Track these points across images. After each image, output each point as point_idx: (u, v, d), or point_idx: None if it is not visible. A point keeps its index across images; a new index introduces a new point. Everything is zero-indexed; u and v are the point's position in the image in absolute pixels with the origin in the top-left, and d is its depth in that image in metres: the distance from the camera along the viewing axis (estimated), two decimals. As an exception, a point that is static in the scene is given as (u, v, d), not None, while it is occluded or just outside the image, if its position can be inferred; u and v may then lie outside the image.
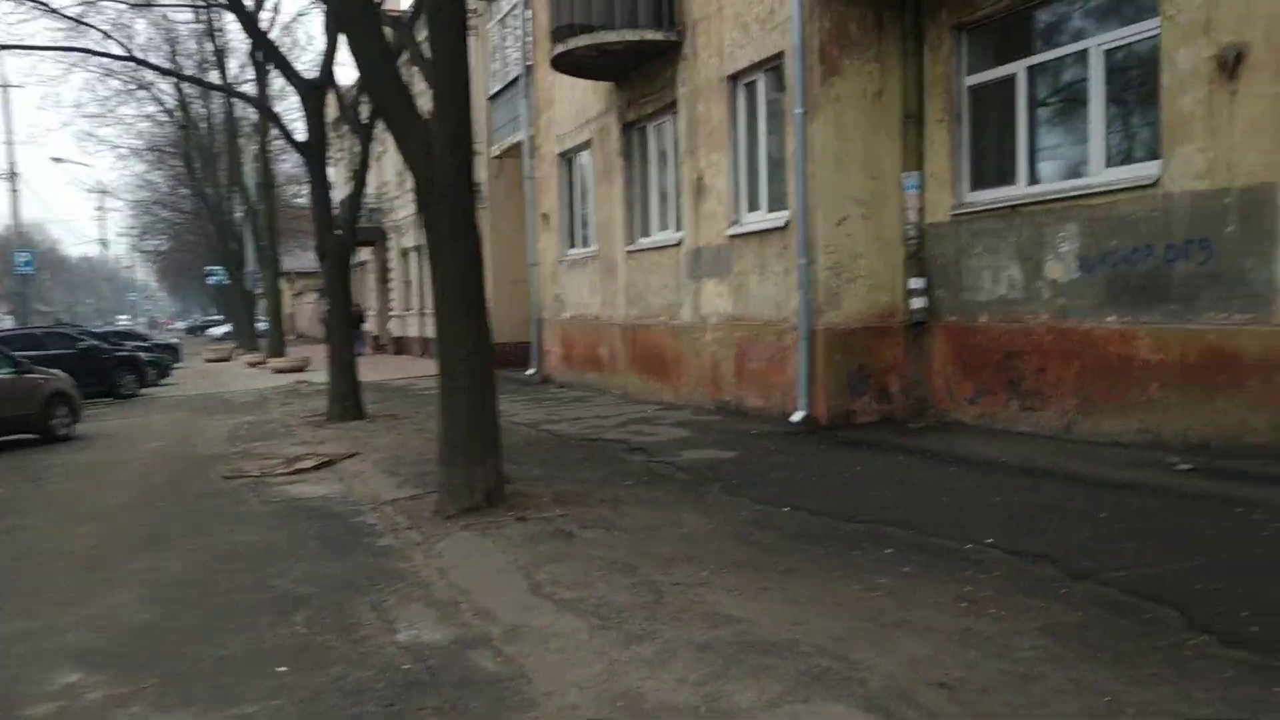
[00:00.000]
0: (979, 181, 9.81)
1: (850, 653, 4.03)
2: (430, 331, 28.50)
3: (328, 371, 14.39)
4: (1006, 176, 9.52)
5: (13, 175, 31.01)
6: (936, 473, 7.75)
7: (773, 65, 10.87)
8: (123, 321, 68.35)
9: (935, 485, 7.29)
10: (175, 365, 32.33)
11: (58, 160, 48.72)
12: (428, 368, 25.69)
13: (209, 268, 47.60)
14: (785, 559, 5.54)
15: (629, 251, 14.49)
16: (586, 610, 4.82)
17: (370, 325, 36.73)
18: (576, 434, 11.09)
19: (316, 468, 9.92)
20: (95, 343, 20.88)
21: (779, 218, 10.75)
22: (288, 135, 14.66)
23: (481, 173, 22.02)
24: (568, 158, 16.99)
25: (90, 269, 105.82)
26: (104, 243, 64.77)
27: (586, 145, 15.96)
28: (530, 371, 18.44)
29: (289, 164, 47.56)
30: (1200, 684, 3.51)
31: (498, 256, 21.74)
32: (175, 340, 39.80)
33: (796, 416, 10.14)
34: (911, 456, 8.51)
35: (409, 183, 30.72)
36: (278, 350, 30.18)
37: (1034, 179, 9.18)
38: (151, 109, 35.35)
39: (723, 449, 9.46)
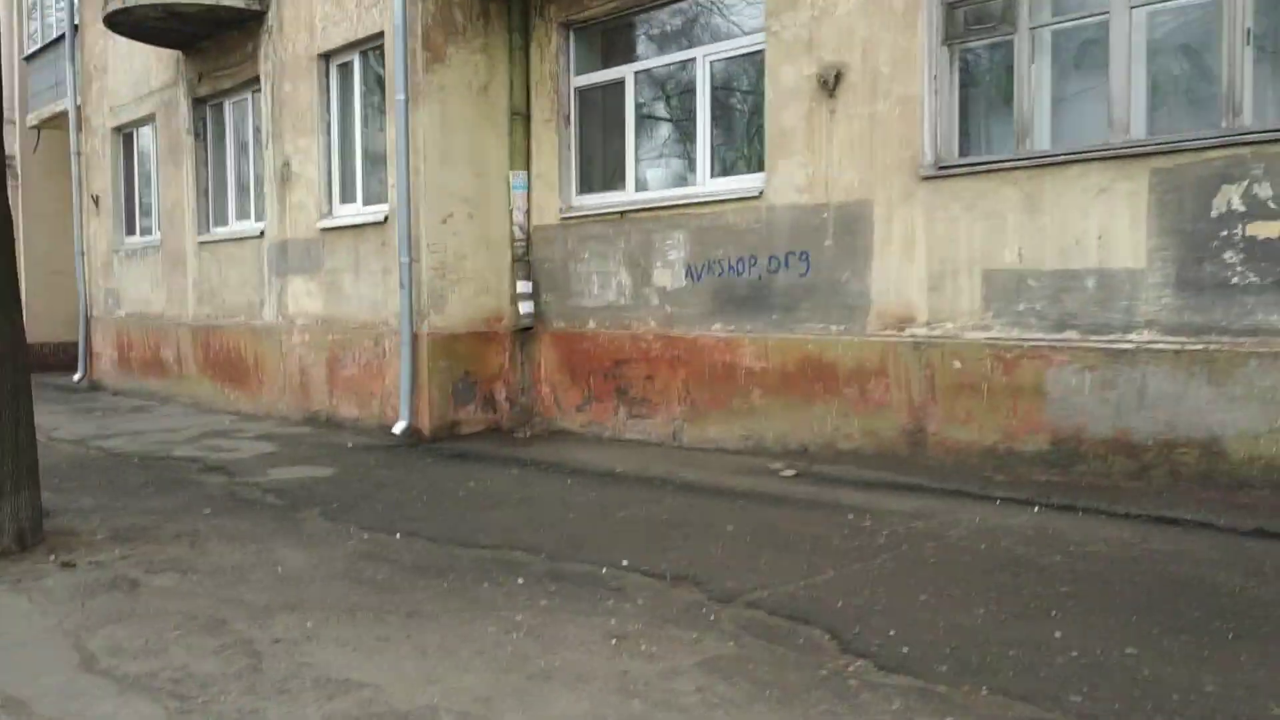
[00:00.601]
0: (588, 185, 9.65)
1: (501, 718, 3.46)
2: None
3: None
4: (615, 181, 9.44)
5: None
6: (555, 486, 7.38)
7: (372, 46, 10.03)
8: None
9: (557, 500, 6.91)
10: None
11: None
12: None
13: None
14: (407, 598, 4.85)
15: (201, 243, 12.87)
16: (161, 688, 3.82)
17: None
18: (138, 451, 9.52)
19: None
20: None
21: (377, 211, 9.93)
22: None
23: (13, 144, 18.80)
24: (125, 133, 14.86)
25: None
26: None
27: (149, 120, 14.01)
28: (77, 377, 15.95)
29: None
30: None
31: (35, 243, 18.73)
32: None
33: (398, 428, 9.39)
34: (526, 469, 8.10)
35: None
36: None
37: (642, 185, 9.16)
38: None
39: (317, 465, 8.49)
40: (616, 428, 9.14)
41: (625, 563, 5.29)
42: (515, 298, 9.83)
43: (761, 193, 7.90)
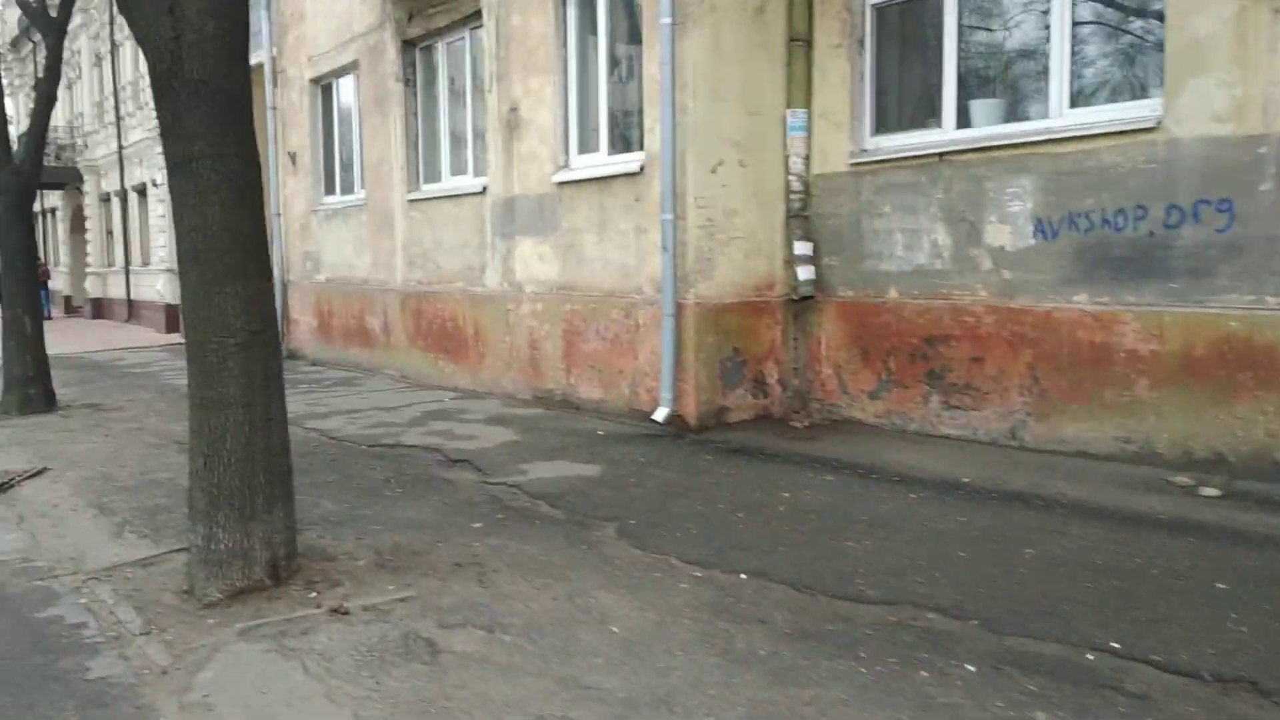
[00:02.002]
0: (885, 124, 7.96)
1: None
2: (143, 292, 24.23)
3: (1, 347, 10.77)
4: (924, 118, 7.73)
5: None
6: (897, 501, 5.80)
7: (623, -36, 8.56)
8: None
9: (916, 524, 5.32)
10: None
11: None
12: (134, 335, 21.60)
13: None
14: (820, 694, 3.37)
15: (411, 201, 11.74)
16: None
17: (60, 284, 31.28)
18: (361, 436, 8.40)
19: (-19, 498, 6.76)
20: None
21: (628, 161, 8.48)
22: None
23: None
24: (324, 84, 13.89)
25: None
26: None
27: (351, 69, 12.97)
28: (274, 345, 15.19)
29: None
30: None
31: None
32: None
33: (660, 414, 7.97)
34: (839, 473, 6.53)
35: (109, 114, 25.86)
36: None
37: (965, 121, 7.41)
38: None
39: (575, 461, 7.14)
40: (926, 420, 7.49)
41: (1114, 643, 3.67)
42: (790, 261, 8.26)
43: (1159, 123, 6.07)
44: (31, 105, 17.54)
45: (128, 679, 3.71)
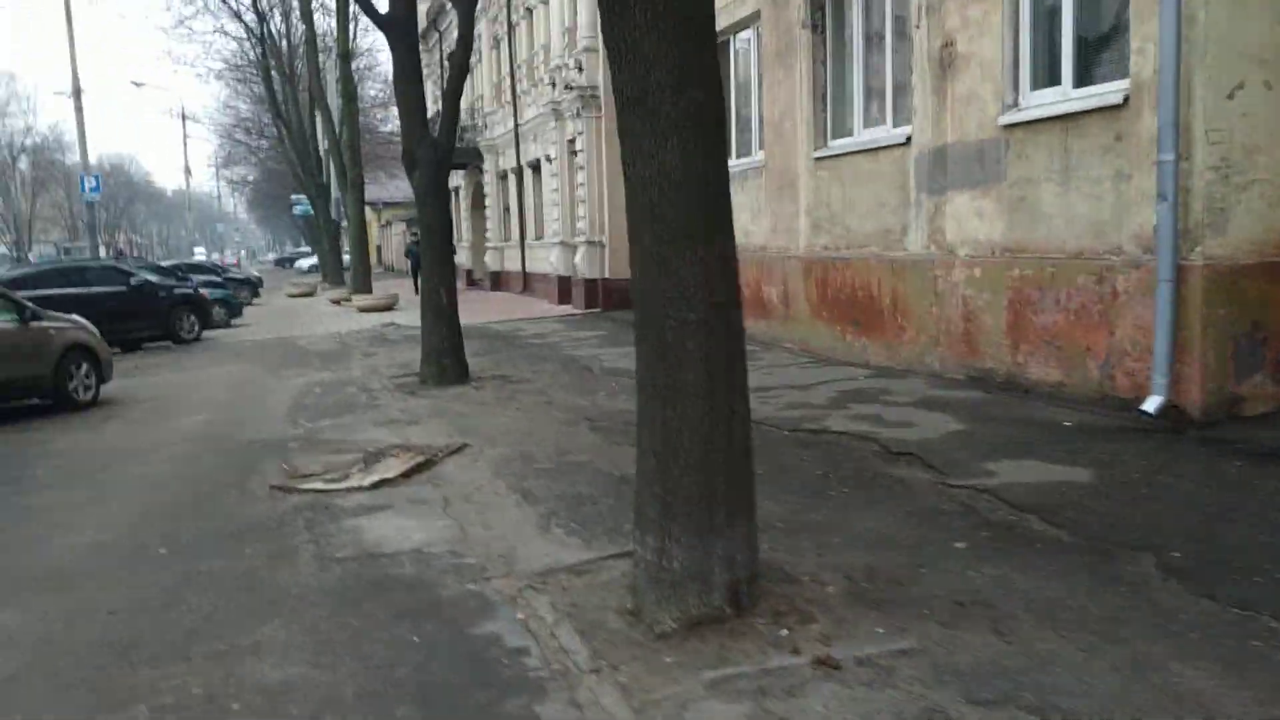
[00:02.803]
0: None
1: None
2: (537, 265, 25.26)
3: (421, 317, 11.03)
4: None
5: (78, 93, 28.15)
6: None
7: None
8: (199, 254, 66.00)
9: None
10: (253, 302, 29.77)
11: (138, 85, 46.31)
12: (530, 306, 22.39)
13: (294, 197, 45.00)
14: None
15: (818, 159, 10.74)
16: None
17: (462, 258, 33.59)
18: (781, 419, 7.53)
19: (406, 475, 6.57)
20: (150, 279, 17.82)
21: (1105, 93, 6.93)
22: (369, 7, 11.10)
23: (596, 73, 18.35)
24: (721, 39, 13.19)
25: (184, 200, 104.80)
26: (188, 170, 62.65)
27: (751, 21, 12.17)
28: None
29: (374, 89, 44.52)
30: None
31: (608, 175, 18.20)
32: (254, 275, 37.07)
33: (1151, 404, 6.41)
34: None
35: (505, 94, 27.22)
36: (363, 286, 27.09)
37: None
38: (229, 26, 32.50)
39: (1054, 460, 5.81)
40: None
41: None
42: (1332, 209, 6.37)
43: None
44: (440, 91, 18.43)
45: (583, 732, 2.99)
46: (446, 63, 11.29)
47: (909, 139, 9.07)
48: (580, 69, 18.99)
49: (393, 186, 50.63)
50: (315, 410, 9.55)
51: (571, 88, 19.16)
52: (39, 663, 3.85)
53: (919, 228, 9.01)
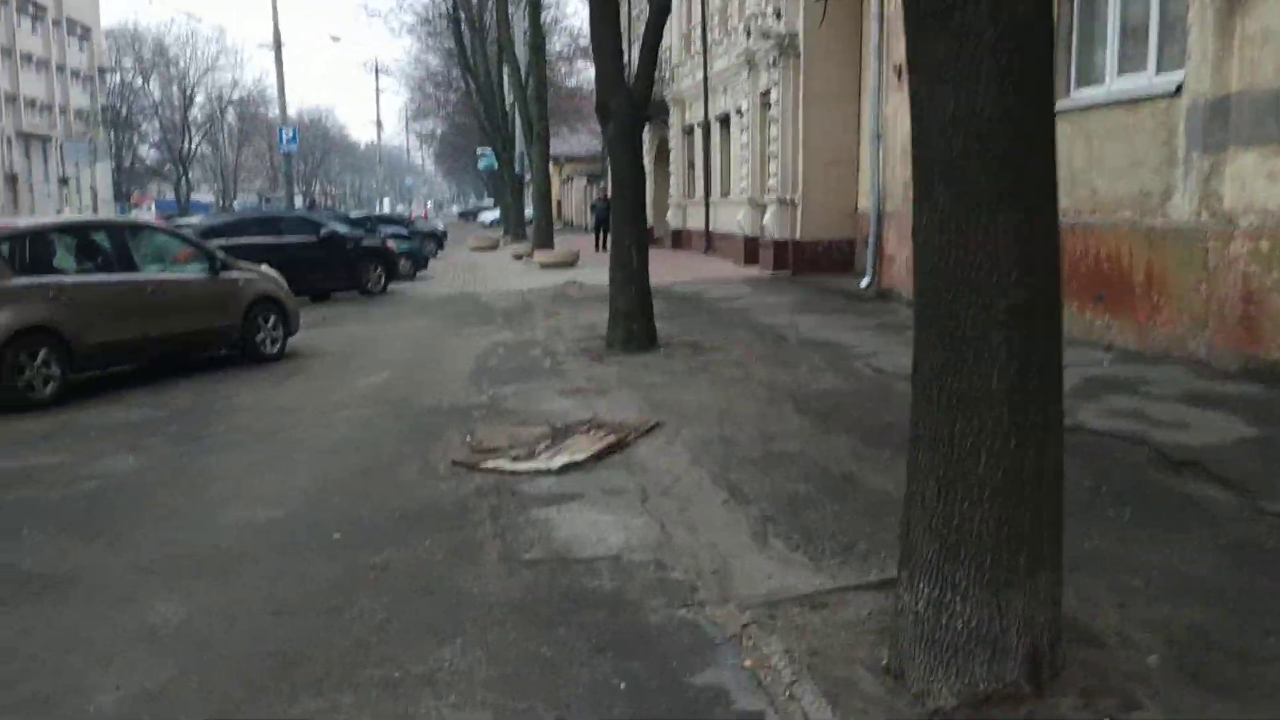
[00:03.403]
0: None
1: None
2: (722, 224, 24.44)
3: (610, 278, 10.41)
4: None
5: (278, 47, 28.94)
6: None
7: None
8: (387, 205, 68.10)
9: None
10: (438, 255, 30.08)
11: (335, 39, 47.63)
12: (714, 268, 21.57)
13: (480, 150, 45.53)
14: None
15: (1059, 112, 9.46)
16: None
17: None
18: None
19: (597, 457, 5.94)
20: (338, 230, 17.93)
21: None
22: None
23: (796, 19, 17.23)
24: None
25: (375, 153, 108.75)
26: (379, 124, 64.52)
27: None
28: (864, 283, 13.83)
29: (559, 43, 44.39)
30: None
31: (811, 131, 17.11)
32: (439, 227, 37.58)
33: None
34: None
35: (695, 44, 26.35)
36: (545, 241, 26.89)
37: None
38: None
39: (1395, 486, 4.67)
40: None
41: None
42: None
43: None
44: (628, 43, 17.73)
45: None
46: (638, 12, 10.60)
47: (1179, 88, 7.76)
48: (779, 15, 17.89)
49: (574, 141, 50.55)
50: (498, 374, 9.08)
51: (768, 35, 18.08)
52: (189, 676, 3.36)
53: (1187, 191, 7.72)
